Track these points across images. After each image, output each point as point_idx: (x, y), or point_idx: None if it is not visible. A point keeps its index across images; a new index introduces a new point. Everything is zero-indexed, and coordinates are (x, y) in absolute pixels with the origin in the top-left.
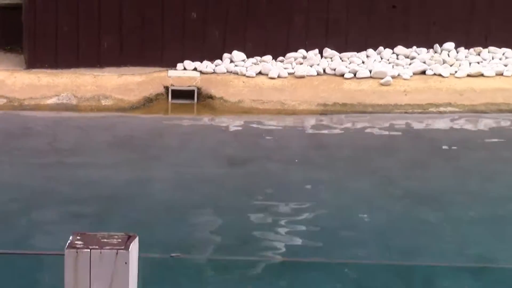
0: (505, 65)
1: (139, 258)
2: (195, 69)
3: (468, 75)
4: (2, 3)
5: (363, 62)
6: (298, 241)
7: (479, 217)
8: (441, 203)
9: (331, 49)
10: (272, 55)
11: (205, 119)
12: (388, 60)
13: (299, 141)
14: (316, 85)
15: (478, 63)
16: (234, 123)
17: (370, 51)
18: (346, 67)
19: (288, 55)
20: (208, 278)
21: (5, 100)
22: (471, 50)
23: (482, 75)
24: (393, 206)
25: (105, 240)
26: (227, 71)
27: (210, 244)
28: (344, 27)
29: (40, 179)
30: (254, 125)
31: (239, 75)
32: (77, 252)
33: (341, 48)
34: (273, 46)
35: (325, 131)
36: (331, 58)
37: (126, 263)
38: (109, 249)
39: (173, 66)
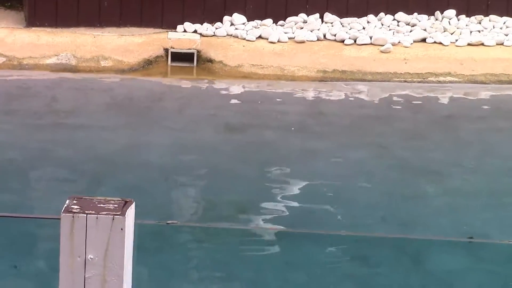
0: (506, 35)
1: (135, 224)
2: (195, 31)
3: (469, 44)
4: None
5: (363, 28)
6: (293, 210)
7: (476, 189)
8: (439, 174)
9: (332, 14)
10: (272, 19)
11: (204, 83)
12: (388, 26)
13: (298, 108)
14: (316, 51)
15: (479, 31)
16: (233, 88)
17: (371, 17)
18: (347, 33)
19: (289, 19)
20: (203, 246)
21: (4, 59)
22: (472, 18)
23: (482, 44)
24: (390, 176)
25: (101, 205)
26: (227, 34)
27: (206, 211)
28: None
29: (38, 141)
30: (253, 91)
31: (239, 38)
32: (73, 216)
33: (342, 13)
34: (274, 9)
35: (324, 99)
36: (331, 23)
37: (122, 229)
38: (106, 214)
39: (173, 28)
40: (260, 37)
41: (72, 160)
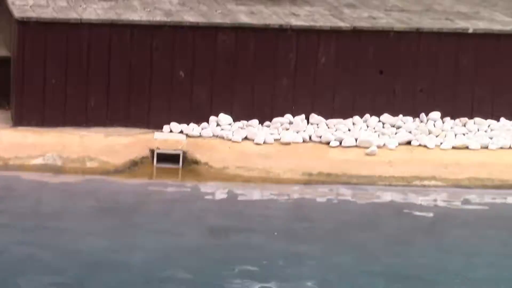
0: (491, 138)
1: None
2: (181, 131)
3: (453, 147)
4: None
5: (349, 130)
6: None
7: None
8: (423, 281)
9: (318, 115)
10: (258, 119)
11: (189, 186)
12: (374, 128)
13: (283, 212)
14: (302, 153)
15: (464, 134)
16: (218, 191)
17: (356, 118)
18: (332, 134)
19: (275, 120)
20: None
21: None
22: (457, 120)
23: (467, 147)
24: (375, 284)
25: None
26: (213, 135)
27: None
28: (331, 92)
29: (21, 245)
30: (239, 194)
31: (225, 139)
32: None
33: (327, 114)
34: (260, 109)
35: (309, 203)
36: (317, 124)
37: None
38: None
39: (159, 127)
40: (246, 138)
41: (56, 265)
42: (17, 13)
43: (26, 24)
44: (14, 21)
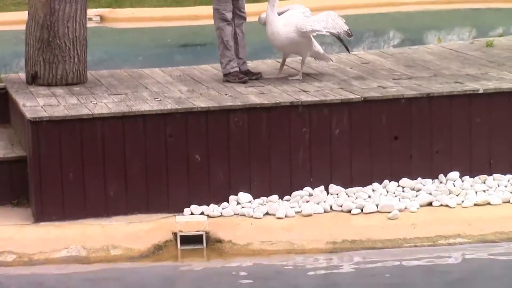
0: (511, 192)
1: None
2: (202, 213)
3: (475, 204)
4: (8, 157)
5: (369, 197)
6: None
7: None
8: None
9: (337, 185)
10: (278, 194)
11: (215, 264)
12: (394, 193)
13: (311, 281)
14: (324, 223)
15: (484, 191)
16: (244, 267)
17: (376, 185)
18: (353, 202)
19: (294, 193)
20: None
21: (14, 256)
22: (476, 178)
23: (489, 203)
24: None
25: None
26: (234, 214)
27: None
28: (347, 161)
29: None
30: (265, 268)
31: (246, 216)
32: None
33: (346, 183)
34: (279, 184)
35: (336, 271)
36: (337, 194)
37: None
38: None
39: (180, 211)
40: (267, 213)
41: None
42: (29, 114)
43: (39, 124)
44: (26, 122)
